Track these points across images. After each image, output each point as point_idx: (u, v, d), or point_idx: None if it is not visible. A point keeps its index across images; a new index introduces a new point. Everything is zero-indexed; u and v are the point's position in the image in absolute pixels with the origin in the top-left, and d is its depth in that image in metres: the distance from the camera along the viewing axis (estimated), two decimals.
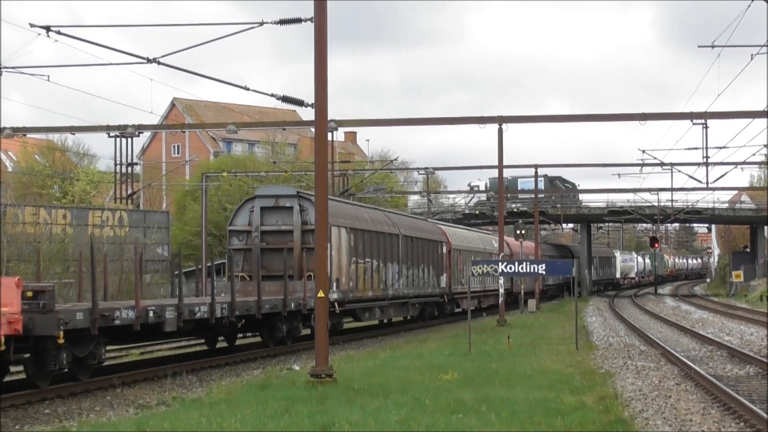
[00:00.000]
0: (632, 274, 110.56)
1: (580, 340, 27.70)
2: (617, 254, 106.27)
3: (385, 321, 39.31)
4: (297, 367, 23.15)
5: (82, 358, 18.76)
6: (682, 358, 22.45)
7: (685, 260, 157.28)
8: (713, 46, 30.99)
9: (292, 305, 27.31)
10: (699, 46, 31.26)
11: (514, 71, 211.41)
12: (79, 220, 42.56)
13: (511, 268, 26.14)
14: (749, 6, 26.80)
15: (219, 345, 27.97)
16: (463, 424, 13.41)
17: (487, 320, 41.95)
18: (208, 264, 45.08)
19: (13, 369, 20.00)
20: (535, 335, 31.44)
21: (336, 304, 30.09)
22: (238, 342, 29.72)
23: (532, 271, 26.43)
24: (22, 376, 20.44)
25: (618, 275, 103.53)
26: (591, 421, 13.62)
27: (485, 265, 26.82)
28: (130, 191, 50.30)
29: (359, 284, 32.67)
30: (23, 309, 16.38)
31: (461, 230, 52.11)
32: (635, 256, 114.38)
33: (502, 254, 41.53)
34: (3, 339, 15.35)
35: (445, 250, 43.52)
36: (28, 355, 17.52)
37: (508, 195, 77.25)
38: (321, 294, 18.51)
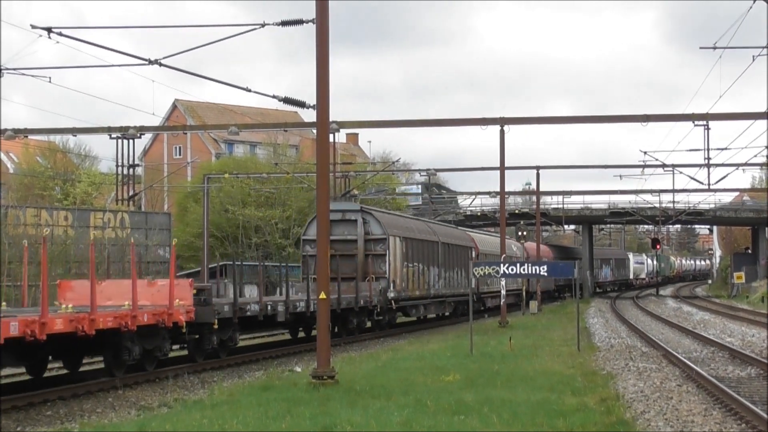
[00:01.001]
0: (643, 275, 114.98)
1: (581, 342, 27.71)
2: (630, 256, 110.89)
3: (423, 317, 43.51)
4: (299, 369, 23.17)
5: (224, 340, 24.46)
6: (683, 359, 22.45)
7: (692, 261, 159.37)
8: (715, 48, 30.92)
9: (362, 302, 33.09)
10: (700, 48, 31.08)
11: (519, 73, 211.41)
12: (80, 221, 42.58)
13: (512, 270, 26.15)
14: (751, 7, 26.76)
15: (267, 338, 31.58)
16: (464, 426, 13.42)
17: (488, 322, 41.96)
18: (212, 266, 45.14)
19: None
20: (536, 337, 31.45)
21: (393, 301, 35.84)
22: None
23: (533, 272, 26.43)
24: (25, 377, 20.52)
25: (631, 276, 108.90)
26: (593, 423, 13.63)
27: (486, 267, 26.81)
28: (131, 193, 50.29)
29: (409, 285, 37.91)
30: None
31: (486, 236, 56.79)
32: (645, 258, 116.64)
33: (504, 256, 41.60)
34: (185, 324, 20.91)
35: (474, 254, 47.71)
36: (197, 336, 22.92)
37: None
38: (323, 295, 18.51)
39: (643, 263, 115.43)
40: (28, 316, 16.51)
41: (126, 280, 21.31)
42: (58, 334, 16.96)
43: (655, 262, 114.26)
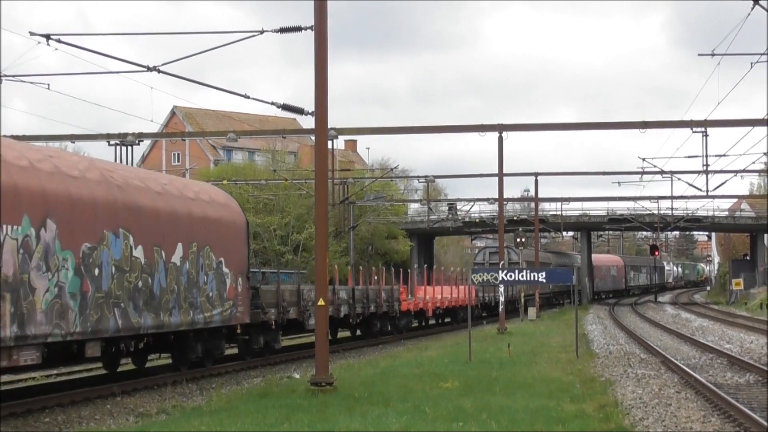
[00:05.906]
0: (671, 279, 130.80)
1: (580, 348, 27.69)
2: (665, 264, 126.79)
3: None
4: (297, 376, 23.15)
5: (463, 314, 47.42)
6: (682, 366, 22.44)
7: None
8: (713, 55, 30.87)
9: (511, 298, 53.95)
10: (699, 55, 31.23)
11: (524, 77, 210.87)
12: None
13: (510, 276, 26.17)
14: (749, 14, 26.72)
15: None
16: None
17: (487, 328, 41.98)
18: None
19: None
20: (535, 343, 31.44)
21: (522, 297, 55.52)
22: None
23: (531, 278, 26.44)
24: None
25: (666, 280, 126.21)
26: (591, 429, 13.63)
27: (485, 274, 26.81)
28: None
29: (531, 289, 58.67)
30: None
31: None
32: (673, 265, 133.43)
33: (504, 263, 41.67)
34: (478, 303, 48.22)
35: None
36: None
37: None
38: (321, 302, 18.49)
39: (671, 270, 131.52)
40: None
41: (431, 286, 43.83)
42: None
43: (678, 269, 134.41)
